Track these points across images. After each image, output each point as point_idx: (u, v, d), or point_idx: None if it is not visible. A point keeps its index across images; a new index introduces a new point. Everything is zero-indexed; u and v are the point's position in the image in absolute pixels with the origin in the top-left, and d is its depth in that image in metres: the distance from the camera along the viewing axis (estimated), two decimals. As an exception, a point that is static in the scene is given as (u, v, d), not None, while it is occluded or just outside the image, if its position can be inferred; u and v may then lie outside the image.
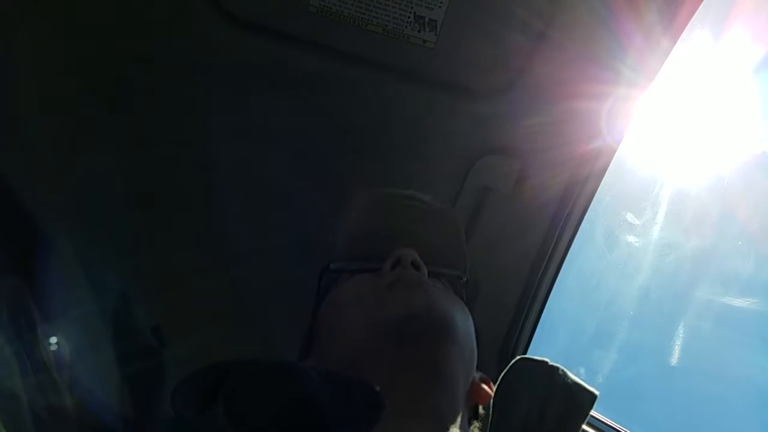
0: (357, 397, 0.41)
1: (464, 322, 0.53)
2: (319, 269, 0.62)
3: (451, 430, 0.47)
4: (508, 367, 0.52)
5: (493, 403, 0.50)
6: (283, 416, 0.38)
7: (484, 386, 0.56)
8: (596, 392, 0.51)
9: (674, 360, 1.43)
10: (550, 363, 0.53)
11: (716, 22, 0.73)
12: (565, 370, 0.52)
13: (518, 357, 0.53)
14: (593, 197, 0.78)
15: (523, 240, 0.83)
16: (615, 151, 0.73)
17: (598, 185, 0.76)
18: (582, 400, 0.50)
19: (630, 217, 1.14)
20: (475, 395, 0.54)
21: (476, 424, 0.53)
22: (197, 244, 0.85)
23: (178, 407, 0.38)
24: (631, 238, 1.16)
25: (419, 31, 0.67)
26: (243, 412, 0.38)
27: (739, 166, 1.06)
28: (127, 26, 0.68)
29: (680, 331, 1.43)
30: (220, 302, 0.88)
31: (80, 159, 0.73)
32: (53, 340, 0.30)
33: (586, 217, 0.81)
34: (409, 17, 0.66)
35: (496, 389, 0.51)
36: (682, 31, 0.62)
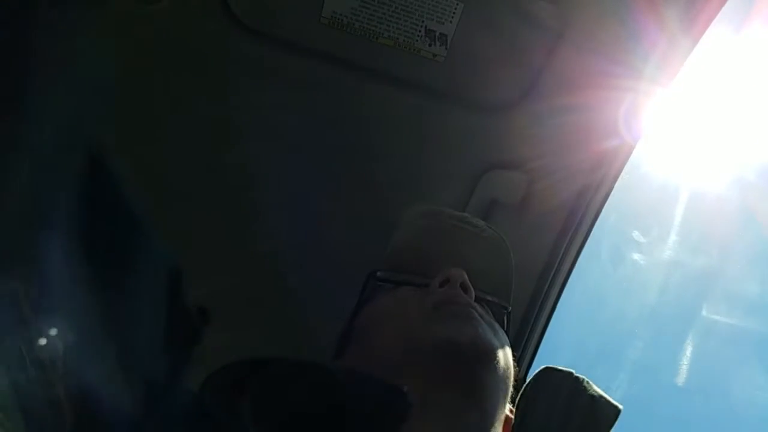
0: (383, 397, 0.41)
1: (505, 357, 0.52)
2: (366, 274, 0.61)
3: None
4: (533, 376, 0.52)
5: (516, 411, 0.49)
6: (309, 415, 0.39)
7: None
8: (620, 406, 0.50)
9: (680, 379, 1.42)
10: (575, 374, 0.52)
11: (737, 19, 0.69)
12: (590, 381, 0.52)
13: (543, 366, 0.53)
14: (601, 211, 0.77)
15: (530, 253, 0.83)
16: (626, 160, 0.72)
17: (607, 198, 0.76)
18: (606, 413, 0.50)
19: (636, 234, 1.13)
20: (505, 427, 0.52)
21: None
22: (202, 245, 0.85)
23: (205, 402, 0.38)
24: (637, 256, 1.15)
25: (430, 45, 0.68)
26: (269, 410, 0.39)
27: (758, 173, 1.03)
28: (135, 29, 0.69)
29: (686, 350, 1.42)
30: (226, 303, 0.88)
31: (85, 159, 0.74)
32: (55, 333, 0.30)
33: (592, 233, 0.81)
34: (420, 31, 0.67)
35: (519, 397, 0.50)
36: (705, 29, 0.60)
